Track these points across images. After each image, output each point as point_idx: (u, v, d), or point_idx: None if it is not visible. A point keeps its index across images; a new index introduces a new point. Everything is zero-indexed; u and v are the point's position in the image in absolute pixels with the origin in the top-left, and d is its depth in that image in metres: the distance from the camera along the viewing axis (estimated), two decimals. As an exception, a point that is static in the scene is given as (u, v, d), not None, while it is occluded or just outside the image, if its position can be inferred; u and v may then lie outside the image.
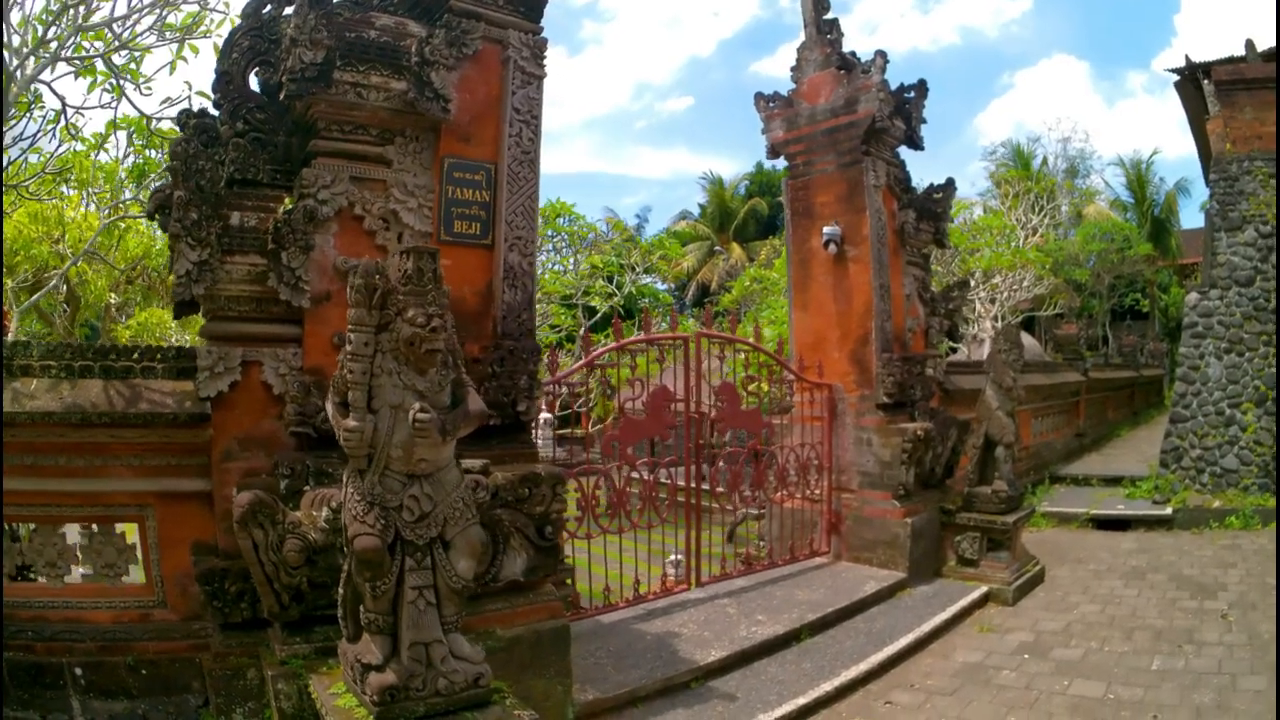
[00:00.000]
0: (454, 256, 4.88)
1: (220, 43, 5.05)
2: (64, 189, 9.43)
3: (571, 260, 19.32)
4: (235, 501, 4.06)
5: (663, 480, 7.38)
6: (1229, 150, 11.87)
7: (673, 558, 7.85)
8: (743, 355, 8.42)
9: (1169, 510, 10.64)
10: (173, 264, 4.49)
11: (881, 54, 8.23)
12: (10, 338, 7.80)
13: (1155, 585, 7.95)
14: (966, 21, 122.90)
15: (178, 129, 5.00)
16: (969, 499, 8.42)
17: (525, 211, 5.09)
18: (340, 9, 4.70)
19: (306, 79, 4.41)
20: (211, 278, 4.47)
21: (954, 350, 19.33)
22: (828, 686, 5.58)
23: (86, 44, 6.48)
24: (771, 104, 9.17)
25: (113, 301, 11.15)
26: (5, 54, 5.59)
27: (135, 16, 6.49)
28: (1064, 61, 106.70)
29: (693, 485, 7.60)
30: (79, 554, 4.81)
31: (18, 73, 6.07)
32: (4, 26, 5.45)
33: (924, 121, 8.83)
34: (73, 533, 4.88)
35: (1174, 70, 13.05)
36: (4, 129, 6.21)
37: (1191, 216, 33.96)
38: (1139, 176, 32.45)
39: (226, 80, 4.81)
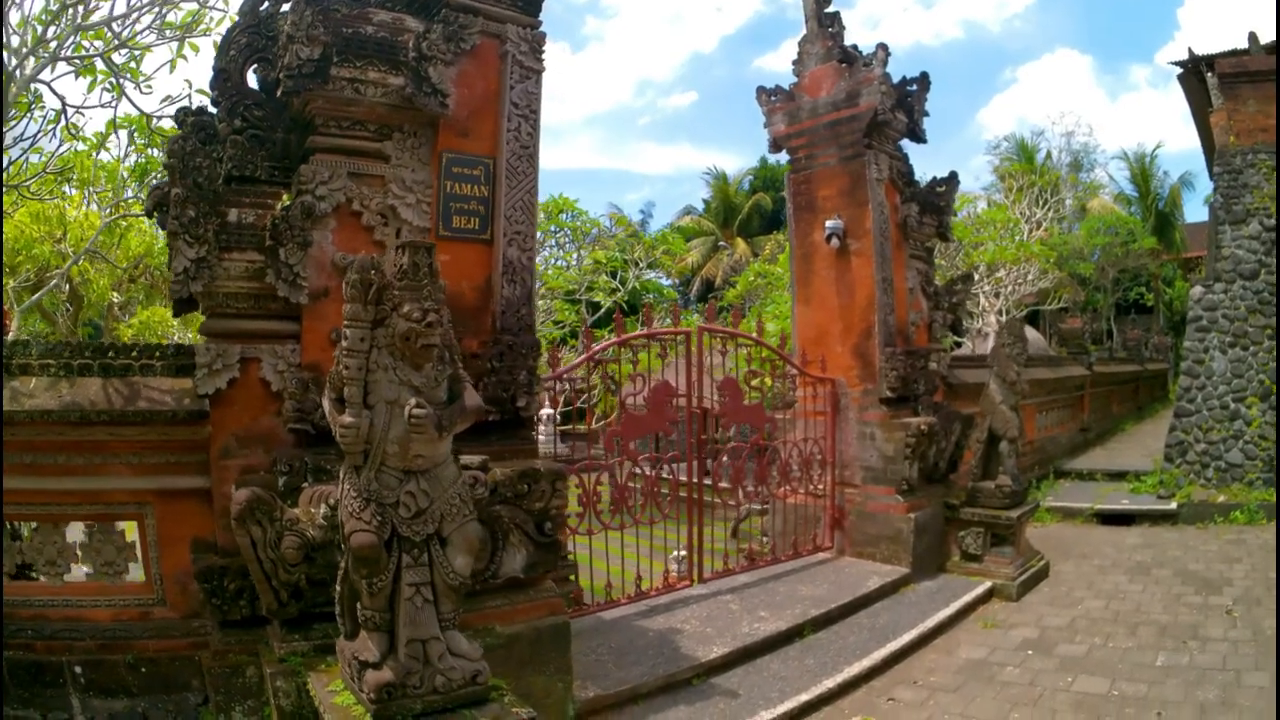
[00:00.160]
0: (452, 252, 4.87)
1: (220, 40, 5.03)
2: (66, 189, 9.43)
3: (575, 256, 19.28)
4: (233, 499, 4.05)
5: (666, 476, 7.36)
6: (1232, 143, 11.78)
7: (676, 553, 7.83)
8: (745, 350, 8.39)
9: (1174, 505, 10.59)
10: (171, 261, 4.48)
11: (883, 47, 8.18)
12: (11, 337, 7.80)
13: (1160, 580, 7.91)
14: (969, 15, 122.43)
15: (176, 127, 4.98)
16: (973, 494, 8.38)
17: (524, 206, 5.06)
18: (338, 5, 4.67)
19: (303, 75, 4.39)
20: (209, 275, 4.45)
21: (959, 345, 19.27)
22: (830, 683, 5.55)
23: (86, 43, 6.46)
24: (773, 98, 9.12)
25: (115, 300, 11.16)
26: (5, 54, 5.57)
27: (135, 15, 6.46)
28: (1067, 55, 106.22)
29: (695, 481, 7.58)
30: (79, 552, 4.81)
31: (17, 72, 6.05)
32: (3, 27, 5.43)
33: (926, 114, 8.77)
34: (73, 531, 4.88)
35: (1177, 63, 12.96)
36: (4, 129, 6.20)
37: (1195, 210, 33.89)
38: (1143, 170, 32.31)
39: (224, 78, 4.80)
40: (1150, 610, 7.00)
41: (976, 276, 18.34)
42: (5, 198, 7.50)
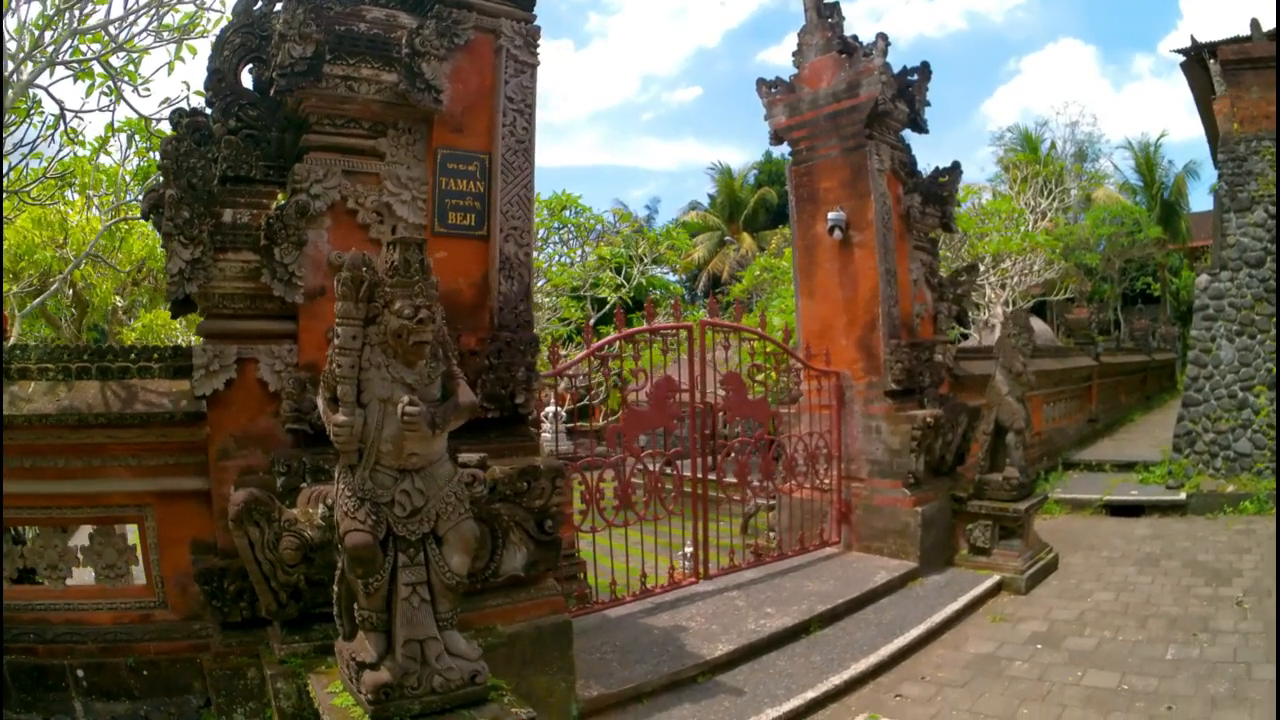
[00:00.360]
0: (449, 248, 4.84)
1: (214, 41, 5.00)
2: (69, 194, 9.44)
3: (578, 253, 19.22)
4: (230, 500, 4.03)
5: (669, 472, 7.32)
6: (1236, 130, 11.65)
7: (685, 550, 7.79)
8: (751, 344, 8.34)
9: (1182, 495, 10.50)
10: (167, 263, 4.47)
11: (882, 36, 8.11)
12: (13, 342, 7.81)
13: (1169, 572, 7.83)
14: (972, 6, 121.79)
15: (172, 129, 4.96)
16: (980, 486, 8.31)
17: (521, 201, 5.03)
18: (330, 3, 4.64)
19: (296, 73, 4.36)
20: (205, 275, 4.44)
21: (965, 336, 19.16)
22: (836, 680, 5.51)
23: (84, 47, 6.44)
24: (774, 90, 9.06)
25: (119, 304, 11.18)
26: (3, 60, 5.55)
27: (131, 18, 6.43)
28: (1070, 46, 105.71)
29: (700, 477, 7.54)
30: (79, 556, 4.80)
31: (14, 77, 6.04)
32: (1, 32, 5.42)
33: (928, 104, 8.70)
34: (76, 535, 4.88)
35: (1180, 51, 12.79)
36: (4, 135, 6.18)
37: (1201, 199, 33.46)
38: (1147, 160, 32.06)
39: (218, 78, 4.78)
40: (1160, 602, 6.93)
41: (982, 268, 18.22)
42: (6, 203, 7.50)
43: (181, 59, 6.67)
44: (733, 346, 8.17)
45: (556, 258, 19.06)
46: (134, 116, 7.00)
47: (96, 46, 6.49)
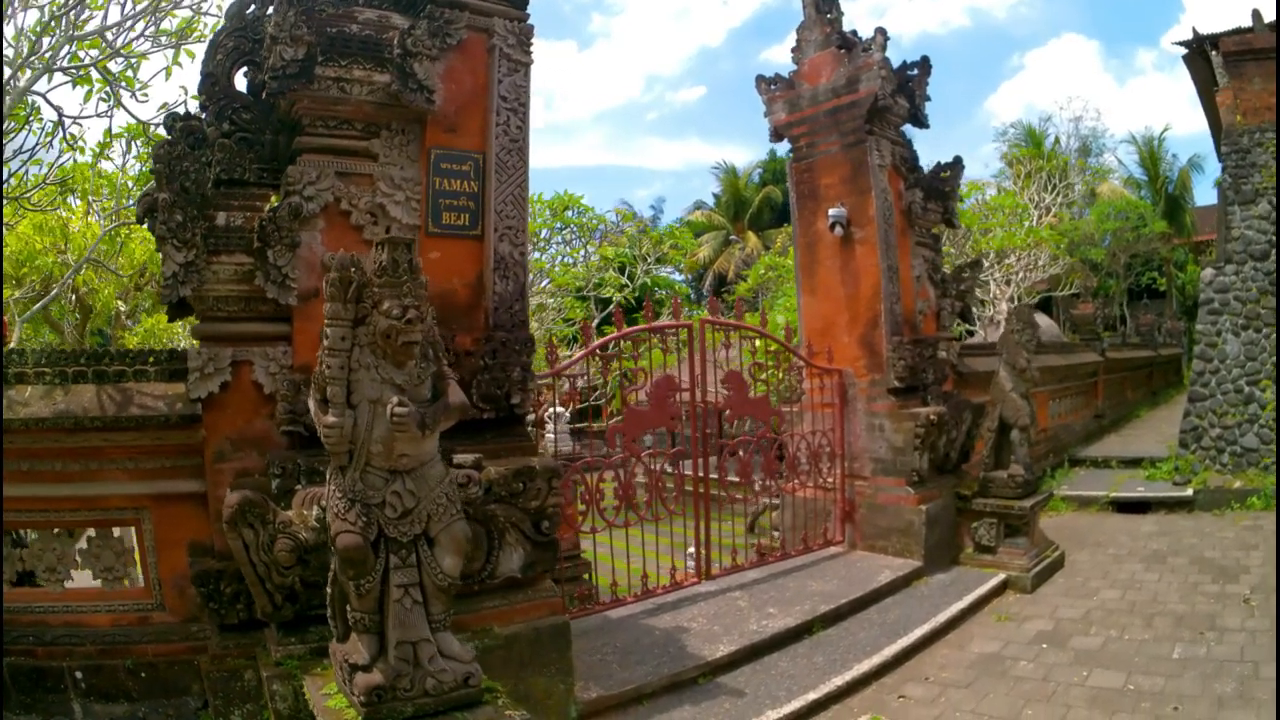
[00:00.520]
0: (443, 248, 4.83)
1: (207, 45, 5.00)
2: (71, 200, 9.48)
3: (582, 252, 19.21)
4: (225, 502, 4.02)
5: (670, 471, 7.28)
6: (1239, 122, 11.53)
7: (691, 550, 7.75)
8: (757, 343, 8.29)
9: (1189, 491, 10.41)
10: (162, 267, 4.47)
11: (881, 31, 8.06)
12: (12, 346, 7.83)
13: (1176, 569, 7.76)
14: (975, 3, 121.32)
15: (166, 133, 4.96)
16: (985, 484, 8.25)
17: (515, 201, 5.00)
18: (323, 5, 4.63)
19: (288, 76, 4.35)
20: (199, 278, 4.44)
21: (970, 333, 19.08)
22: (839, 681, 5.46)
23: (82, 53, 6.45)
24: (773, 86, 9.02)
25: (121, 309, 11.22)
26: (2, 66, 5.57)
27: (129, 23, 6.44)
28: (1073, 41, 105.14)
29: (701, 475, 7.50)
30: (78, 558, 4.81)
31: (12, 84, 6.05)
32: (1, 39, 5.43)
33: (928, 99, 8.64)
34: (75, 537, 4.88)
35: (1181, 44, 12.68)
36: (3, 141, 6.20)
37: (1205, 193, 33.21)
38: (1151, 154, 31.87)
39: (212, 81, 4.78)
40: (1167, 600, 6.86)
41: (986, 263, 18.13)
42: (8, 210, 7.53)
43: (179, 64, 6.68)
44: (736, 345, 8.13)
45: (560, 258, 19.06)
46: (133, 122, 7.00)
47: (95, 53, 6.49)
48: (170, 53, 6.68)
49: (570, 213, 18.47)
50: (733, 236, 39.60)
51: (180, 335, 11.50)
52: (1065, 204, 23.09)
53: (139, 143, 7.89)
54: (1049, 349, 14.32)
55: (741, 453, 7.92)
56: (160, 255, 4.47)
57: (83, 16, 6.11)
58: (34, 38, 5.95)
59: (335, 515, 3.32)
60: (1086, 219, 26.74)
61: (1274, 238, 11.02)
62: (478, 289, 4.94)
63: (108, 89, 6.54)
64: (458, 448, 4.34)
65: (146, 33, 6.50)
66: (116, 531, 4.85)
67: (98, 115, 6.62)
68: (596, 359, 7.05)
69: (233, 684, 4.41)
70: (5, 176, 6.50)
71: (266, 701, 4.13)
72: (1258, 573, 7.33)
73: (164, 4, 6.17)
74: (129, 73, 6.59)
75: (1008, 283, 18.99)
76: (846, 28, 8.68)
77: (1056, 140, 30.96)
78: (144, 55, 6.64)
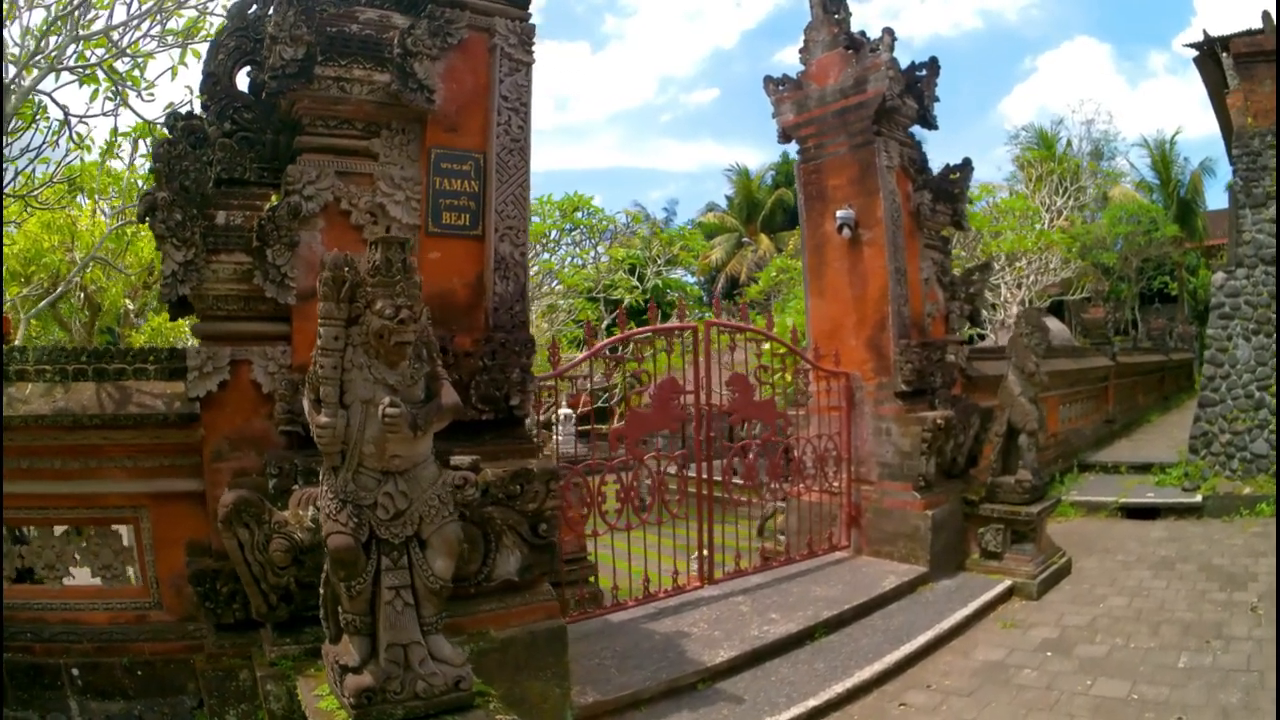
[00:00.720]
0: (443, 248, 4.82)
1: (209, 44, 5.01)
2: (80, 199, 9.52)
3: (591, 254, 19.21)
4: (220, 501, 4.02)
5: (675, 474, 7.24)
6: (1250, 124, 11.36)
7: (700, 553, 7.68)
8: (755, 346, 8.24)
9: (1198, 498, 10.28)
10: (162, 265, 4.47)
11: (889, 31, 7.99)
12: (18, 343, 7.88)
13: (1184, 576, 7.65)
14: (987, 5, 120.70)
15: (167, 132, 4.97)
16: (992, 489, 8.16)
17: (516, 201, 4.98)
18: (325, 4, 4.62)
19: (288, 75, 4.35)
20: (198, 277, 4.44)
21: (982, 337, 18.94)
22: (839, 688, 5.40)
23: (88, 52, 6.48)
24: (781, 87, 8.97)
25: (130, 307, 11.29)
26: (5, 65, 5.59)
27: (135, 22, 6.47)
28: (1085, 44, 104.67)
29: (706, 478, 7.44)
30: (76, 556, 4.82)
31: (17, 83, 6.08)
32: (1, 39, 5.45)
33: (937, 100, 8.56)
34: (73, 535, 4.89)
35: (1192, 45, 12.52)
36: (8, 139, 6.22)
37: (1217, 197, 32.83)
38: (1163, 157, 31.58)
39: (214, 81, 4.79)
40: (1174, 608, 6.76)
41: (996, 266, 18.00)
42: (15, 208, 7.57)
43: (185, 63, 6.70)
44: (745, 348, 8.08)
45: (569, 259, 19.06)
46: (139, 121, 7.03)
47: (101, 52, 6.51)
48: (176, 52, 6.71)
49: (580, 214, 18.49)
50: (745, 239, 39.51)
51: (186, 334, 11.54)
52: (1077, 207, 22.92)
53: (146, 142, 7.92)
54: (1060, 353, 14.19)
55: (751, 455, 7.87)
56: (160, 254, 4.49)
57: (89, 16, 6.13)
58: (39, 36, 5.97)
59: (327, 516, 3.30)
60: (1099, 222, 26.54)
61: None
62: (478, 289, 4.92)
63: (114, 88, 6.56)
64: (456, 449, 4.32)
65: (152, 32, 6.52)
66: (115, 530, 4.85)
67: (104, 114, 6.65)
68: (600, 361, 7.01)
69: (228, 683, 4.40)
70: (13, 175, 6.54)
71: (261, 701, 4.12)
72: (1266, 580, 7.22)
73: (169, 4, 6.19)
74: (135, 72, 6.61)
75: (1019, 286, 18.84)
76: (858, 30, 8.62)
77: (1068, 143, 30.77)
78: (150, 55, 6.67)
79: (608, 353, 7.17)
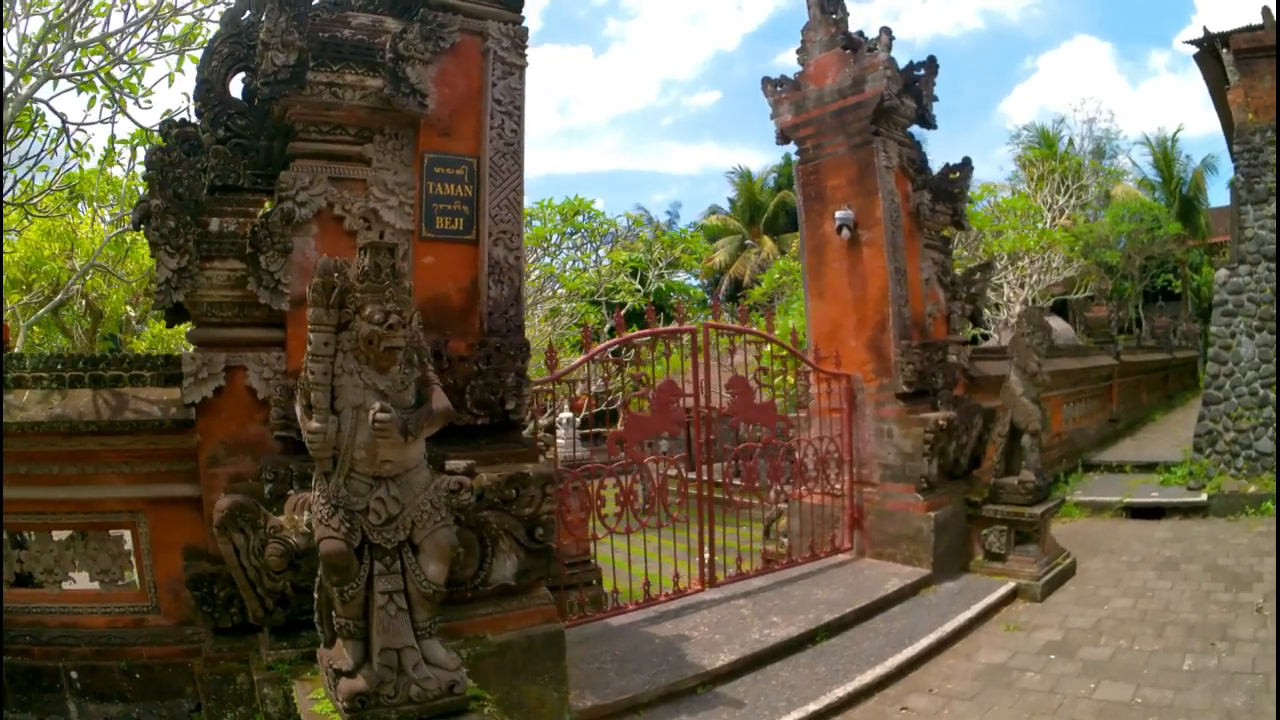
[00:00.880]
0: (437, 253, 4.81)
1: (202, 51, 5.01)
2: (80, 206, 9.56)
3: (592, 258, 19.20)
4: (215, 506, 4.02)
5: (676, 476, 7.21)
6: (1251, 121, 11.28)
7: (701, 556, 7.64)
8: (754, 348, 8.21)
9: (1203, 497, 10.21)
10: (156, 272, 4.48)
11: (886, 31, 7.97)
12: (17, 350, 7.90)
13: (1189, 577, 7.60)
14: (988, 4, 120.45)
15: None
16: (995, 490, 8.12)
17: (510, 205, 4.97)
18: (318, 10, 4.64)
19: (279, 81, 4.36)
20: (192, 284, 4.45)
21: (986, 337, 18.87)
22: (840, 691, 5.36)
23: (86, 59, 6.50)
24: (779, 88, 8.95)
25: (131, 314, 11.33)
26: (3, 73, 5.61)
27: (132, 29, 6.48)
28: (1086, 43, 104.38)
29: (706, 479, 7.41)
30: (75, 560, 4.83)
31: (14, 91, 6.10)
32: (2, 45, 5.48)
33: (935, 99, 8.54)
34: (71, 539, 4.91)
35: (1192, 42, 12.44)
36: (6, 147, 6.24)
37: (1219, 194, 32.66)
38: (1165, 155, 31.47)
39: (207, 88, 4.80)
40: (1179, 609, 6.71)
41: (999, 266, 17.94)
42: (15, 216, 7.59)
43: (182, 70, 6.73)
44: (745, 351, 8.05)
45: (570, 263, 19.05)
46: (137, 128, 7.05)
47: (98, 59, 6.53)
48: (173, 59, 6.74)
49: (581, 218, 18.48)
50: (748, 241, 39.48)
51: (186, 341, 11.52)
52: (1079, 206, 22.84)
53: (144, 149, 7.95)
54: (1063, 352, 14.13)
55: (742, 460, 7.84)
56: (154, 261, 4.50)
57: (86, 23, 6.15)
58: (36, 44, 5.99)
59: (319, 521, 3.31)
60: (1101, 221, 26.46)
61: None
62: (472, 294, 4.91)
63: (111, 96, 6.58)
64: (451, 454, 4.31)
65: (149, 39, 6.53)
66: (113, 534, 4.87)
67: (101, 122, 6.67)
68: (597, 364, 7.00)
69: (225, 687, 4.41)
70: (12, 183, 6.57)
71: (258, 705, 4.13)
72: (1271, 581, 7.14)
73: (165, 11, 6.21)
74: (133, 79, 6.63)
75: (1022, 285, 18.78)
76: (856, 30, 8.58)
77: (1070, 142, 30.70)
78: (147, 62, 6.69)
79: (610, 355, 7.15)
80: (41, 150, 6.60)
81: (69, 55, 6.28)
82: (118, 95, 6.50)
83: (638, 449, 6.85)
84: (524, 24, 5.04)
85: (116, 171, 8.50)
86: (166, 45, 6.69)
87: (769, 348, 8.28)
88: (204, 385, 4.49)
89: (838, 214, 8.40)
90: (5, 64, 5.80)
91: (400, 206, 4.68)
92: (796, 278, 21.97)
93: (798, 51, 8.83)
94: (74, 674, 4.58)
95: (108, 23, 6.18)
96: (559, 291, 18.31)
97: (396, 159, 4.70)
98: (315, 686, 3.77)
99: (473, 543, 4.45)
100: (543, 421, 6.91)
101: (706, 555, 7.39)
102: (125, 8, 6.12)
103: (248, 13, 4.85)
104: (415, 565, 3.38)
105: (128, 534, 4.85)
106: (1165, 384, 21.02)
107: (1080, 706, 5.11)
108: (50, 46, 6.16)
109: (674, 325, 7.52)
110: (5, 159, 6.46)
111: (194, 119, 4.80)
